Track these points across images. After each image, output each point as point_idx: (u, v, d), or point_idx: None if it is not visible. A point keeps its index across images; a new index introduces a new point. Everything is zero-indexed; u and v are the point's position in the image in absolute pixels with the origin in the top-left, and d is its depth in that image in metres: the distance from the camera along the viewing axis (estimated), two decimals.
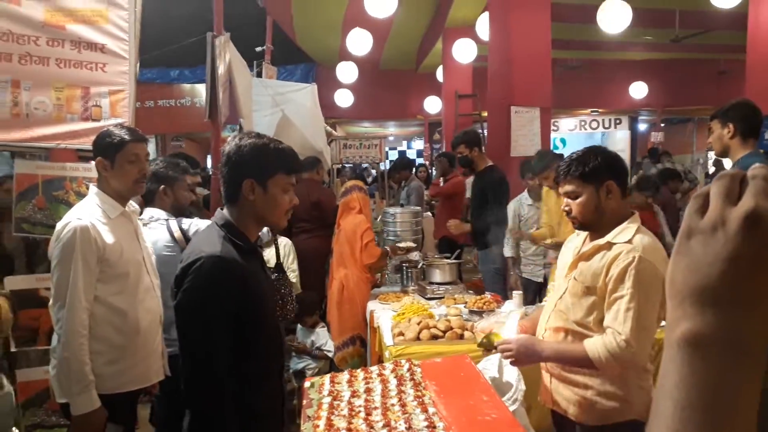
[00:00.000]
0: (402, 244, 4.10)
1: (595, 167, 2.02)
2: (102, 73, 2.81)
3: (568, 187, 2.06)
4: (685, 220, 0.49)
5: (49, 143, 2.75)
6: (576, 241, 2.21)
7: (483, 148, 4.80)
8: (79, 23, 2.79)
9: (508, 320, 2.33)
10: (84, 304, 2.10)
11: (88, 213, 2.18)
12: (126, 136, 2.23)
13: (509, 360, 2.13)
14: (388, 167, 9.23)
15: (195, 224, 2.78)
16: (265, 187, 1.72)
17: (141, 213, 2.86)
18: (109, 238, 2.17)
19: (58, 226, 2.16)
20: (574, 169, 2.04)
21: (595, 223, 2.06)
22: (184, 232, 2.72)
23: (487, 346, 2.29)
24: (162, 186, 2.86)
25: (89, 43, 2.79)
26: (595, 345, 1.93)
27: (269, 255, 3.40)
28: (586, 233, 2.16)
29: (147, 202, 2.87)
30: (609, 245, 1.99)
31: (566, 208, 2.09)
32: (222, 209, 1.78)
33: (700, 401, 0.45)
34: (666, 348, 0.49)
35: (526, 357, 2.08)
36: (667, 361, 0.48)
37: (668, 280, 0.50)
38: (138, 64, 2.90)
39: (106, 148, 2.22)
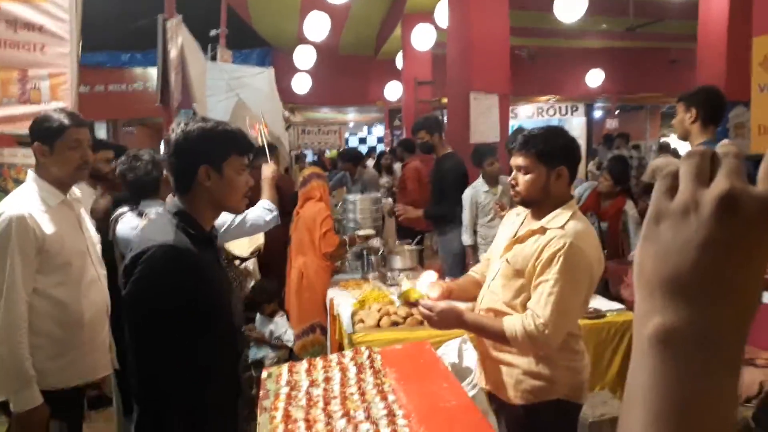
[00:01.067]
0: (361, 232, 4.05)
1: (553, 149, 2.01)
2: (41, 55, 2.65)
3: (521, 161, 2.03)
4: (652, 202, 0.45)
5: None
6: (515, 221, 2.20)
7: (443, 134, 4.79)
8: (15, 2, 2.61)
9: (423, 275, 2.28)
10: (23, 296, 1.99)
11: (25, 202, 2.06)
12: (66, 121, 2.11)
13: (426, 320, 2.11)
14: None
15: None
16: (221, 171, 1.66)
17: (137, 204, 2.73)
18: (48, 227, 2.06)
19: None
20: (532, 145, 2.01)
21: (537, 203, 2.05)
22: None
23: (405, 299, 2.23)
24: (164, 173, 2.70)
25: (26, 23, 2.62)
26: (513, 323, 1.93)
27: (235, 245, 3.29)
28: (524, 215, 2.15)
29: (146, 192, 2.70)
30: (543, 230, 1.99)
31: (512, 182, 2.08)
32: (173, 197, 1.70)
33: (674, 406, 0.40)
34: (635, 344, 0.45)
35: (445, 321, 2.06)
36: (637, 358, 0.44)
37: (636, 268, 0.45)
38: (80, 46, 2.74)
39: (44, 133, 2.09)
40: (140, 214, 2.68)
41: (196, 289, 1.57)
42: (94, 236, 2.34)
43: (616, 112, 15.01)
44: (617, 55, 13.11)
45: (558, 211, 2.01)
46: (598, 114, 16.06)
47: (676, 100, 2.88)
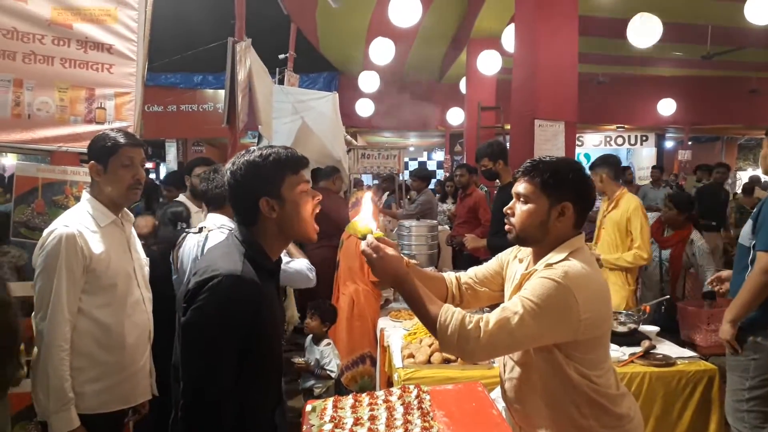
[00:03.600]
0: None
1: (560, 181, 1.75)
2: (108, 75, 2.73)
3: (522, 188, 1.79)
4: None
5: (50, 145, 2.67)
6: (518, 269, 1.96)
7: (507, 161, 4.64)
8: (87, 22, 2.71)
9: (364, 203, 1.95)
10: (66, 316, 1.98)
11: (76, 220, 2.07)
12: (120, 140, 2.11)
13: (366, 259, 1.82)
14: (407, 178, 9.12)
15: None
16: (281, 197, 1.59)
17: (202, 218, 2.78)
18: (97, 247, 2.06)
19: (45, 232, 2.05)
20: (538, 173, 1.77)
21: (533, 241, 1.81)
22: None
23: (352, 232, 1.96)
24: None
25: (96, 43, 2.70)
26: (452, 312, 1.67)
27: None
28: (527, 261, 1.91)
29: (212, 205, 2.74)
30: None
31: (508, 210, 1.84)
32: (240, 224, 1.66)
33: None
34: None
35: (385, 270, 1.78)
36: None
37: None
38: (146, 67, 2.81)
39: (99, 152, 2.11)
40: (200, 230, 2.69)
41: (255, 324, 1.51)
42: (143, 258, 2.34)
43: (690, 143, 14.37)
44: (691, 84, 12.58)
45: (555, 251, 1.75)
46: (669, 144, 15.42)
47: (765, 132, 2.66)
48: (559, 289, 1.63)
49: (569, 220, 1.77)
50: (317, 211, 1.69)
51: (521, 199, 1.79)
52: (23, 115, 2.61)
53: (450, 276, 2.12)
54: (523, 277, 1.81)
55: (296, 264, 2.68)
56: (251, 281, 1.50)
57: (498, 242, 4.54)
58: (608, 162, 4.15)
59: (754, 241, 2.66)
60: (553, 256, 1.75)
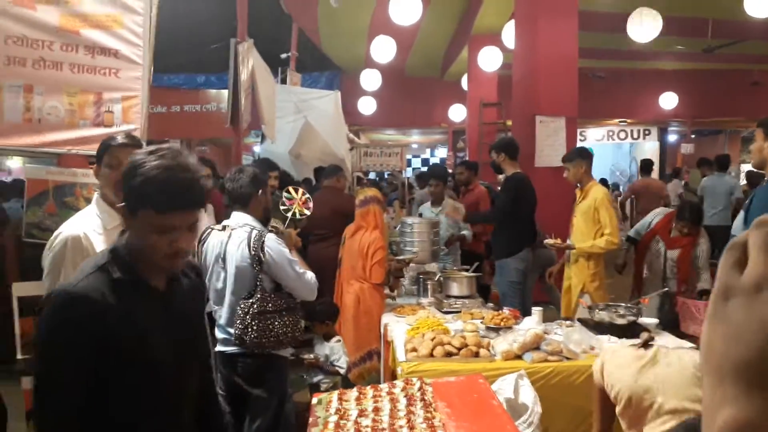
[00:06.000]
0: (400, 257, 4.07)
1: None
2: (115, 79, 2.79)
3: None
4: (719, 277, 0.40)
5: (60, 149, 2.74)
6: None
7: (517, 157, 4.69)
8: (94, 28, 2.77)
9: None
10: None
11: (83, 222, 2.11)
12: (114, 140, 2.13)
13: None
14: (411, 175, 9.17)
15: (270, 243, 2.70)
16: (135, 218, 1.43)
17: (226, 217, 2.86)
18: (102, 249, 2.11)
19: (53, 235, 2.10)
20: None
21: None
22: (256, 251, 2.66)
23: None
24: (260, 190, 2.82)
25: (103, 49, 2.77)
26: None
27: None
28: None
29: (237, 203, 2.80)
30: None
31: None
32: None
33: None
34: None
35: None
36: None
37: (704, 350, 0.40)
38: (152, 70, 2.87)
39: (97, 152, 2.14)
40: (224, 228, 2.78)
41: (99, 340, 1.40)
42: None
43: (692, 137, 14.36)
44: (693, 77, 12.57)
45: None
46: (672, 138, 15.41)
47: (756, 125, 2.71)
48: None
49: None
50: (179, 252, 1.47)
51: None
52: (34, 120, 2.68)
53: None
54: None
55: (307, 275, 2.76)
56: (85, 297, 1.39)
57: (498, 236, 4.61)
58: (584, 155, 4.27)
59: None
60: None
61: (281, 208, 3.06)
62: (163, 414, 1.56)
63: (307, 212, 3.10)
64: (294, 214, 3.01)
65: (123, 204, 1.44)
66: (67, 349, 1.39)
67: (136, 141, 2.22)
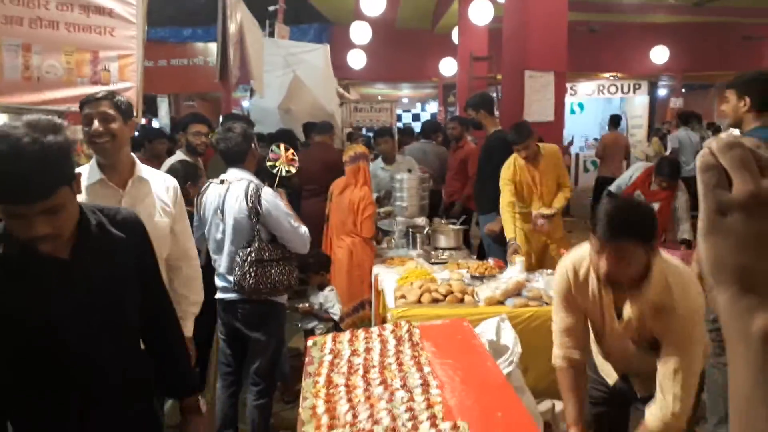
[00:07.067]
0: (382, 209, 4.24)
1: (653, 224, 1.89)
2: (110, 38, 2.84)
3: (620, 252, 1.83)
4: (707, 196, 0.44)
5: (59, 106, 2.80)
6: (591, 284, 2.06)
7: (494, 110, 4.76)
8: None
9: None
10: None
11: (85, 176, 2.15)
12: (86, 97, 2.15)
13: None
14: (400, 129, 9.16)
15: (266, 196, 2.81)
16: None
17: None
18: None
19: None
20: (631, 229, 1.83)
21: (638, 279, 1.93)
22: (254, 204, 2.77)
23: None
24: (253, 145, 2.92)
25: (98, 8, 2.81)
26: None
27: None
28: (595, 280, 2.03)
29: (233, 162, 2.90)
30: (657, 304, 1.91)
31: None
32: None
33: None
34: (732, 342, 0.42)
35: None
36: (739, 357, 0.41)
37: (713, 263, 0.43)
38: (146, 29, 2.92)
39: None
40: (222, 182, 2.89)
41: None
42: (153, 220, 2.26)
43: (682, 91, 14.39)
44: (683, 31, 12.53)
45: (653, 277, 1.89)
46: (662, 92, 15.44)
47: (726, 86, 2.82)
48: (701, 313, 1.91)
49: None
50: (39, 237, 1.40)
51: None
52: (33, 78, 2.73)
53: (569, 361, 2.19)
54: (638, 312, 1.95)
55: (302, 229, 2.89)
56: None
57: (482, 190, 4.73)
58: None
59: None
60: (658, 291, 1.89)
61: (267, 164, 3.16)
62: (69, 384, 1.53)
63: (293, 170, 3.19)
64: (279, 170, 3.11)
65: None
66: None
67: (104, 95, 2.17)
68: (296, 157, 3.22)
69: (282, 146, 3.22)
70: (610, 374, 2.25)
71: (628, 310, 1.99)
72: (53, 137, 1.33)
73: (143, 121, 9.09)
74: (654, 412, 1.90)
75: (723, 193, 0.43)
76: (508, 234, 4.06)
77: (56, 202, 1.38)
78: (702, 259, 0.44)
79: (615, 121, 9.39)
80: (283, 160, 3.16)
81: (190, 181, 3.26)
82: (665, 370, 1.90)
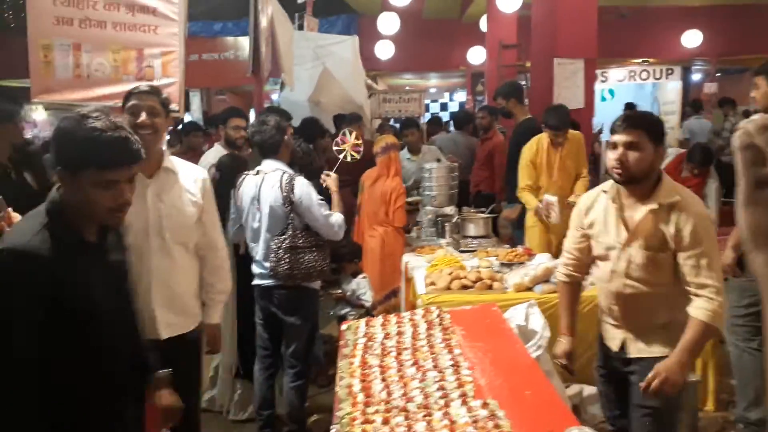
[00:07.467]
0: (410, 199, 4.34)
1: (662, 129, 2.16)
2: (154, 35, 2.99)
3: (630, 138, 2.07)
4: (745, 174, 0.48)
5: (108, 102, 2.95)
6: (607, 206, 2.23)
7: (524, 99, 4.79)
8: None
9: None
10: None
11: None
12: (133, 89, 2.25)
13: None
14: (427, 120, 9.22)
15: (299, 186, 2.92)
16: (74, 180, 1.49)
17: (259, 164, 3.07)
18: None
19: None
20: (642, 122, 2.12)
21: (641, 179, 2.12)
22: (288, 193, 2.89)
23: None
24: (286, 137, 3.03)
25: (142, 7, 2.97)
26: (703, 310, 2.01)
27: None
28: (606, 200, 2.22)
29: (268, 153, 3.01)
30: (666, 207, 2.06)
31: (622, 158, 2.07)
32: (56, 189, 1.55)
33: None
34: None
35: (673, 373, 2.06)
36: None
37: (751, 229, 0.48)
38: (187, 26, 3.06)
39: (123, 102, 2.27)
40: (257, 173, 3.02)
41: (53, 303, 1.42)
42: (181, 207, 2.31)
43: (717, 75, 14.05)
44: (718, 14, 12.21)
45: (663, 190, 2.09)
46: (696, 77, 15.09)
47: (754, 72, 2.81)
48: (707, 219, 2.11)
49: (661, 158, 2.16)
50: (124, 204, 1.55)
51: (632, 146, 2.07)
52: (83, 76, 2.91)
53: (569, 278, 2.47)
54: (650, 215, 2.09)
55: (333, 218, 2.99)
56: (36, 256, 1.41)
57: (512, 179, 4.75)
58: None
59: None
60: (668, 196, 2.08)
61: (335, 149, 3.32)
62: (115, 365, 1.60)
63: (357, 156, 3.35)
64: (345, 156, 3.27)
65: (59, 167, 1.48)
66: (18, 308, 1.39)
67: (144, 90, 2.27)
68: (361, 146, 3.38)
69: (354, 133, 3.36)
70: (613, 337, 2.30)
71: (637, 216, 2.13)
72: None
73: (186, 117, 9.28)
74: (699, 306, 2.02)
75: (760, 169, 0.47)
76: (532, 204, 4.13)
77: (135, 171, 1.57)
78: (741, 227, 0.50)
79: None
80: (350, 147, 3.30)
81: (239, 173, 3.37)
82: (690, 269, 2.03)
